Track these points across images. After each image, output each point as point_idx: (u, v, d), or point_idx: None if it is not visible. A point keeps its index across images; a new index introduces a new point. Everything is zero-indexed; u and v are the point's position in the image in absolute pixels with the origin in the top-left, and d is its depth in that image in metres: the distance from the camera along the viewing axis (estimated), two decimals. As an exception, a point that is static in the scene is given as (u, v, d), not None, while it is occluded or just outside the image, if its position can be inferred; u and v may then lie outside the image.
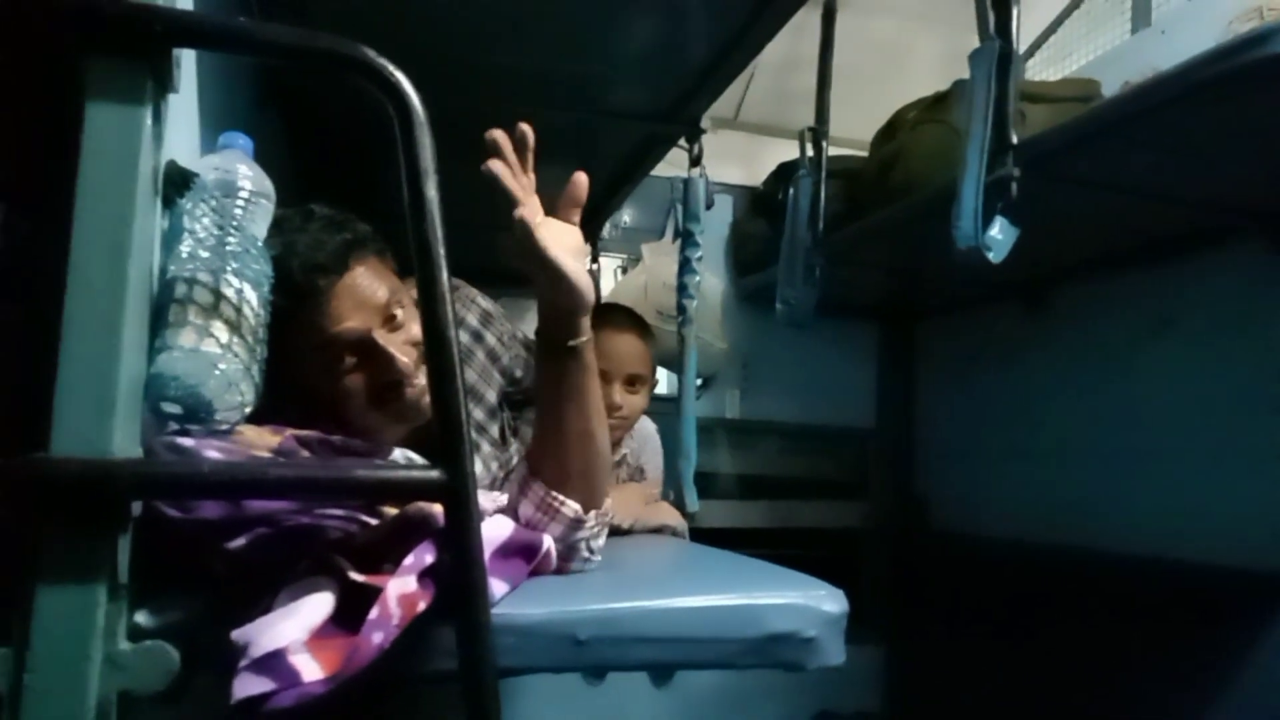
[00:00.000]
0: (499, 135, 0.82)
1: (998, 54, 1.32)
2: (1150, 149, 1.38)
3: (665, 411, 1.79)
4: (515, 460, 1.13)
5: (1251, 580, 1.62)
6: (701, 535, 1.62)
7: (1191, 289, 1.84)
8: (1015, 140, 1.33)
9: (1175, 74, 1.22)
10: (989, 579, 2.34)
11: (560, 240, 0.84)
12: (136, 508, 0.66)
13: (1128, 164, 1.45)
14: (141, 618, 0.67)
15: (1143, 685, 1.81)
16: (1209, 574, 1.70)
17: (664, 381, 2.19)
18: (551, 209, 0.89)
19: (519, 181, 0.83)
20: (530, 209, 0.83)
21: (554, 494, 0.92)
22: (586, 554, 0.96)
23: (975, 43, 1.35)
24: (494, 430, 1.17)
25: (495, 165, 0.81)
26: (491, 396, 1.18)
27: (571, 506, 0.92)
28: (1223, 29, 1.60)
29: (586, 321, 0.89)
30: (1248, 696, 1.61)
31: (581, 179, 0.89)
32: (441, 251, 0.67)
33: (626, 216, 2.67)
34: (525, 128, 0.84)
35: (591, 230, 2.31)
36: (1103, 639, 1.92)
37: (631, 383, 1.55)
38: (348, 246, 0.97)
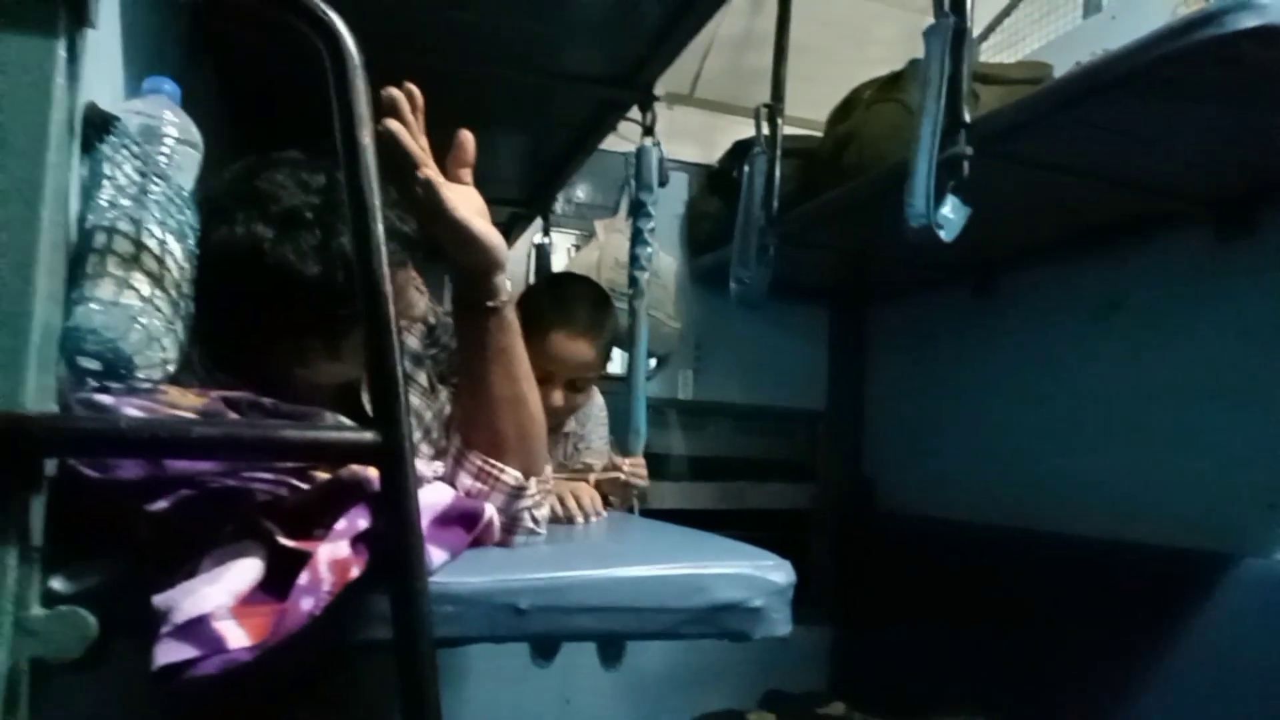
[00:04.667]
0: (396, 94, 0.80)
1: (952, 30, 1.32)
2: (1099, 130, 1.39)
3: (617, 390, 1.77)
4: (447, 408, 1.10)
5: (1195, 559, 1.65)
6: (652, 516, 1.61)
7: (1139, 274, 1.87)
8: (968, 118, 1.33)
9: (1123, 54, 1.22)
10: (937, 560, 2.36)
11: (464, 201, 0.83)
12: (51, 467, 0.63)
13: (1077, 145, 1.46)
14: (57, 583, 0.63)
15: (1088, 663, 1.85)
16: (1154, 554, 1.73)
17: (616, 359, 2.17)
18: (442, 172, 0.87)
19: (419, 142, 0.81)
20: (432, 170, 0.81)
21: (492, 462, 0.90)
22: (531, 524, 0.94)
23: (931, 21, 1.35)
24: (421, 378, 1.14)
25: (393, 124, 0.78)
26: (413, 342, 1.14)
27: (511, 474, 0.90)
28: (1170, 13, 1.61)
29: (503, 280, 0.88)
30: (1191, 672, 1.64)
31: (467, 137, 0.87)
32: (377, 202, 0.64)
33: (580, 192, 2.63)
34: (411, 86, 0.82)
35: (543, 203, 2.28)
36: (1049, 619, 1.95)
37: (573, 384, 1.52)
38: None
